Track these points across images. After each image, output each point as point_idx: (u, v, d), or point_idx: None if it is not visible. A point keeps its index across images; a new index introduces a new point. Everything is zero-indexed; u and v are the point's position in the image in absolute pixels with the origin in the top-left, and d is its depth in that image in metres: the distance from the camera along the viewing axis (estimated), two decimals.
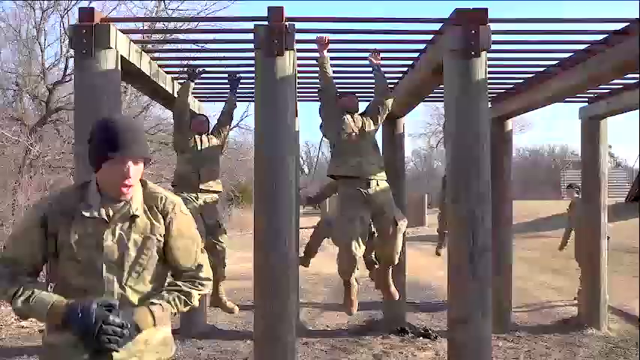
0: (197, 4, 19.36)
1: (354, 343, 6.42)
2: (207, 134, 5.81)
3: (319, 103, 5.10)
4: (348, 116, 4.99)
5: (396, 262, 5.17)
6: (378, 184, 4.92)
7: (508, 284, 7.19)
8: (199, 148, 5.64)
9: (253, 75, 4.39)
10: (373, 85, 5.29)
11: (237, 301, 9.01)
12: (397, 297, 5.50)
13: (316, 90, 6.95)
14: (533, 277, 11.04)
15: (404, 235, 5.22)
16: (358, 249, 4.81)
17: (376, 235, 5.17)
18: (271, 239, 4.23)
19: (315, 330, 7.05)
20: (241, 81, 5.83)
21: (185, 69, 5.64)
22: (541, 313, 8.13)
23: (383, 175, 5.01)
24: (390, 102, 5.15)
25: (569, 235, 8.68)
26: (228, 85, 5.86)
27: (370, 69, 5.20)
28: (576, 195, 8.68)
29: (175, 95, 6.17)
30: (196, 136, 5.67)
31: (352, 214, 4.82)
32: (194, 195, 5.50)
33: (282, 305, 4.24)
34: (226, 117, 5.98)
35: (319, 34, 4.68)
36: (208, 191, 5.61)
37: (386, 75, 6.33)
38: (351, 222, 4.81)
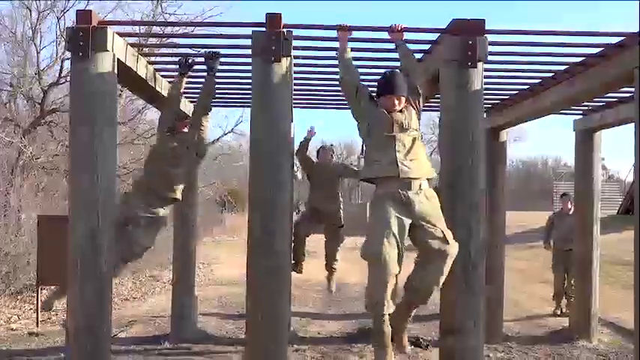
0: (195, 8, 19.36)
1: (346, 350, 6.41)
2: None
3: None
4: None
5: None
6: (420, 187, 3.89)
7: (500, 294, 7.19)
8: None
9: (250, 81, 4.38)
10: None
11: (227, 307, 9.03)
12: (407, 351, 4.21)
13: (312, 96, 7.00)
14: (525, 287, 11.06)
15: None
16: (391, 266, 3.66)
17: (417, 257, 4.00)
18: (265, 244, 4.21)
19: (307, 337, 7.03)
20: (240, 86, 5.61)
21: (177, 62, 5.26)
22: (532, 324, 8.14)
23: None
24: (419, 84, 4.24)
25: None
26: (205, 66, 5.10)
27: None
28: (570, 205, 8.71)
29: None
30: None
31: (383, 217, 3.78)
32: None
33: (273, 311, 4.22)
34: (201, 108, 5.28)
35: (341, 23, 4.37)
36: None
37: None
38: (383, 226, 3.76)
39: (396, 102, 4.00)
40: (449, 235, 3.85)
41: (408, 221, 3.79)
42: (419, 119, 4.12)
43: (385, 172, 3.86)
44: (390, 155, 3.87)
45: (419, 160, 3.93)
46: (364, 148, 4.15)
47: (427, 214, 3.83)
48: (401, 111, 4.02)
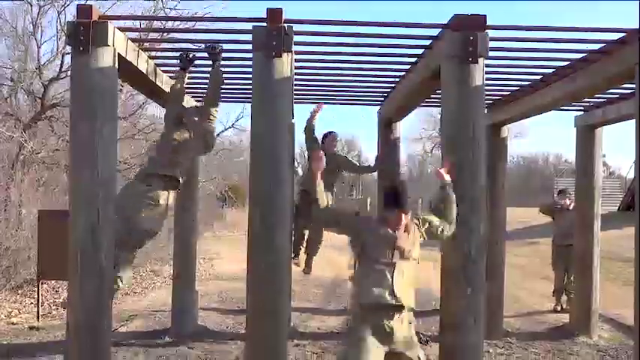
0: (195, 4, 19.32)
1: None
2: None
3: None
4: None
5: None
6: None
7: (500, 290, 7.20)
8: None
9: (251, 76, 4.37)
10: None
11: (227, 302, 9.04)
12: None
13: (313, 91, 6.96)
14: (525, 283, 11.06)
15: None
16: None
17: None
18: (265, 240, 4.21)
19: (307, 332, 7.03)
20: (241, 81, 5.55)
21: (178, 58, 5.29)
22: (533, 320, 8.14)
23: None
24: (452, 229, 4.02)
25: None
26: (210, 59, 5.12)
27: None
28: (568, 202, 8.72)
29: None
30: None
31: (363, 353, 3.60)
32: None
33: (273, 306, 4.23)
34: (210, 99, 5.31)
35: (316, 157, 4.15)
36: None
37: (383, 80, 6.36)
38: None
39: (403, 216, 3.74)
40: (423, 358, 3.80)
41: (386, 349, 3.67)
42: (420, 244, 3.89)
43: (381, 301, 3.64)
44: (387, 283, 3.65)
45: (411, 289, 3.77)
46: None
47: (405, 341, 3.73)
48: (406, 231, 3.78)
